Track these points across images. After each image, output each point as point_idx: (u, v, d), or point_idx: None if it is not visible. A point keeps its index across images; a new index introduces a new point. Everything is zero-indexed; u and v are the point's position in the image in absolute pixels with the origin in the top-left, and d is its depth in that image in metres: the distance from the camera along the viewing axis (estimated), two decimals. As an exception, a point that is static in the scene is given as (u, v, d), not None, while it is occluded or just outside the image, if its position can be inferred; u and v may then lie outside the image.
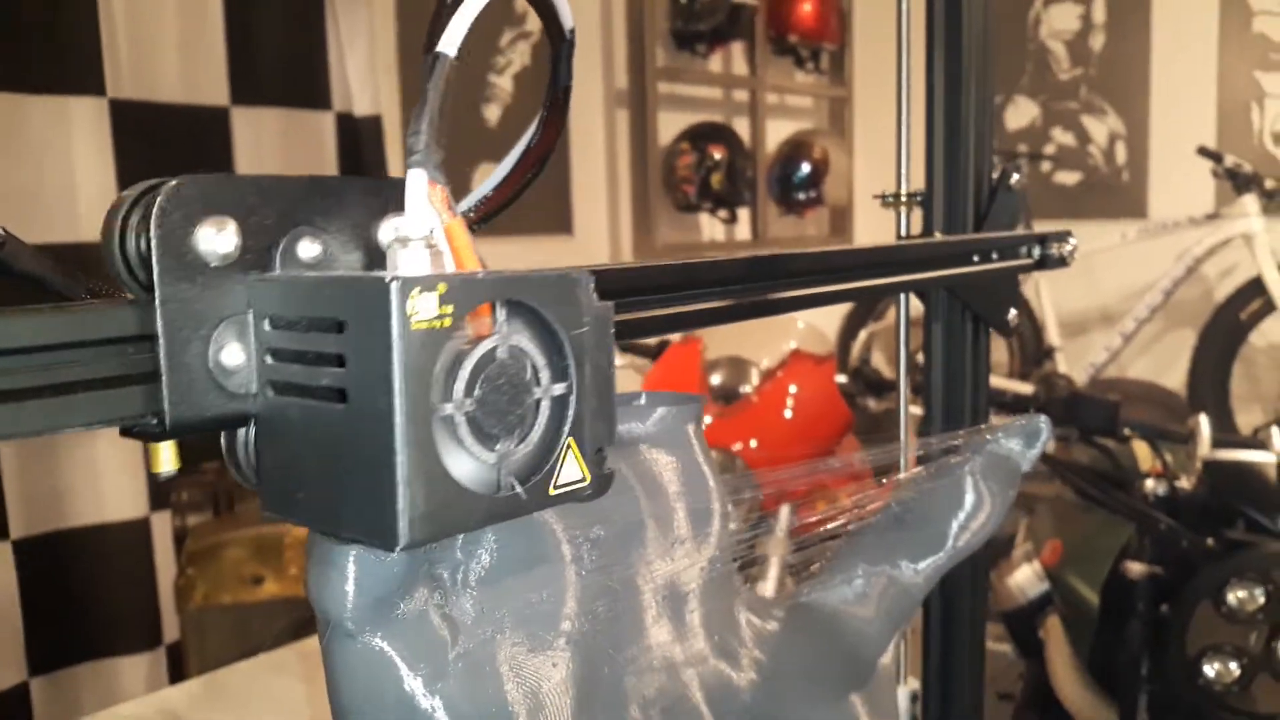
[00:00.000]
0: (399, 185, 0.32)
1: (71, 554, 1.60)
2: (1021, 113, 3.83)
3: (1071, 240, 0.72)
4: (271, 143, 1.99)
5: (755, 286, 0.47)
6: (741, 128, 3.39)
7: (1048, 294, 3.44)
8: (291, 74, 2.03)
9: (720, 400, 2.11)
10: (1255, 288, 3.09)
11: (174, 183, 0.29)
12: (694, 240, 3.34)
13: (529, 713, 0.37)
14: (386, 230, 0.34)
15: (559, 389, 0.33)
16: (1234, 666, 1.37)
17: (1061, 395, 3.26)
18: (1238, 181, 3.09)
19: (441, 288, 0.29)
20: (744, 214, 3.42)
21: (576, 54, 0.42)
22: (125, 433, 0.31)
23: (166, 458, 0.31)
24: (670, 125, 3.16)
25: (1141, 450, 1.65)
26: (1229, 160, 3.10)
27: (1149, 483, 1.57)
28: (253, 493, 0.34)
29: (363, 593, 0.33)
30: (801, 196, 3.51)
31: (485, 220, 0.42)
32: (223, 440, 0.33)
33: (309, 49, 2.04)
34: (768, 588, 1.79)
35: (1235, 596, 1.38)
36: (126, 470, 1.61)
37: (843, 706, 0.53)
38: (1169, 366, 3.46)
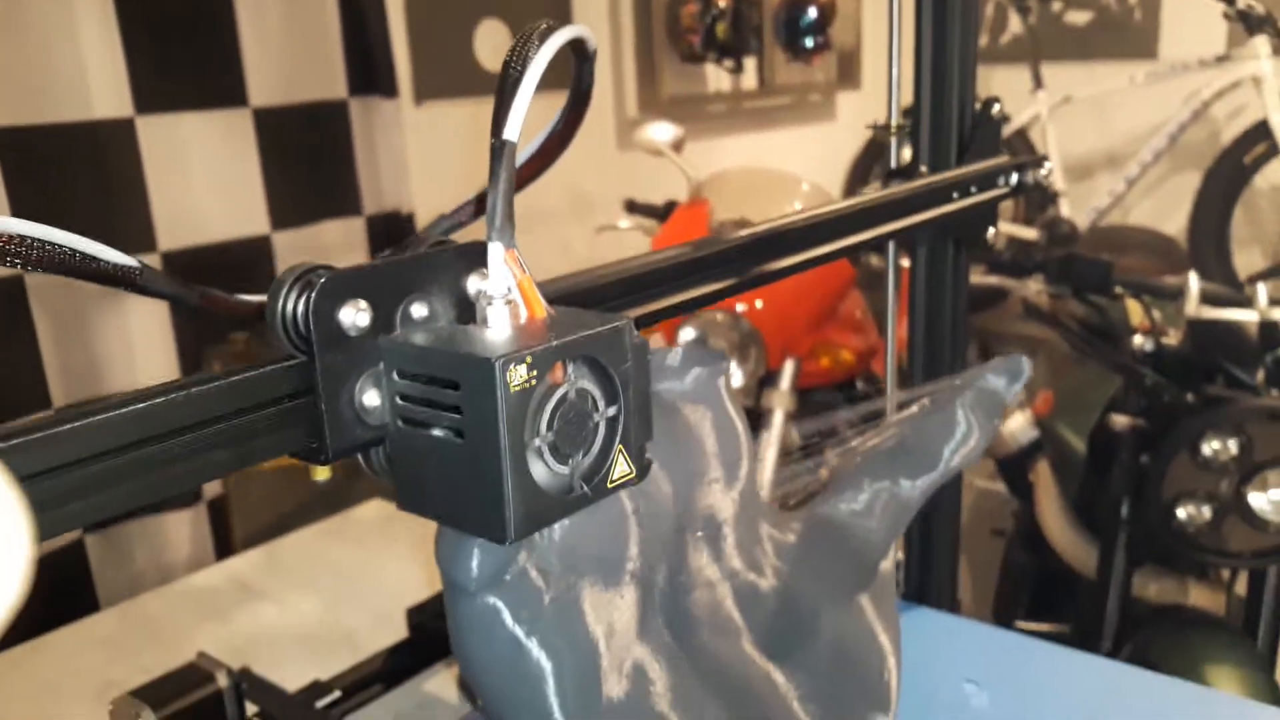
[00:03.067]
0: (482, 249, 0.42)
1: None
2: (1034, -52, 3.74)
3: (1047, 165, 0.77)
4: (276, 17, 1.97)
5: (756, 260, 0.54)
6: (747, -28, 3.32)
7: (1054, 138, 3.42)
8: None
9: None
10: (1261, 131, 3.07)
11: (322, 280, 0.39)
12: (700, 91, 3.32)
13: (605, 638, 0.48)
14: (473, 283, 0.44)
15: (612, 411, 0.43)
16: (1205, 510, 1.47)
17: (1064, 238, 3.29)
18: (1249, 23, 3.04)
19: (529, 359, 0.38)
20: (750, 63, 3.38)
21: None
22: (294, 455, 0.41)
23: (323, 471, 0.42)
24: (674, -27, 3.10)
25: (1132, 307, 1.70)
26: (1241, 1, 3.05)
27: (1137, 339, 1.62)
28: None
29: (483, 567, 0.43)
30: (809, 42, 3.45)
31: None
32: (360, 454, 0.43)
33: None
34: (771, 439, 1.89)
35: (1210, 447, 1.46)
36: (156, 339, 1.69)
37: (852, 605, 0.63)
38: (1173, 210, 3.48)
